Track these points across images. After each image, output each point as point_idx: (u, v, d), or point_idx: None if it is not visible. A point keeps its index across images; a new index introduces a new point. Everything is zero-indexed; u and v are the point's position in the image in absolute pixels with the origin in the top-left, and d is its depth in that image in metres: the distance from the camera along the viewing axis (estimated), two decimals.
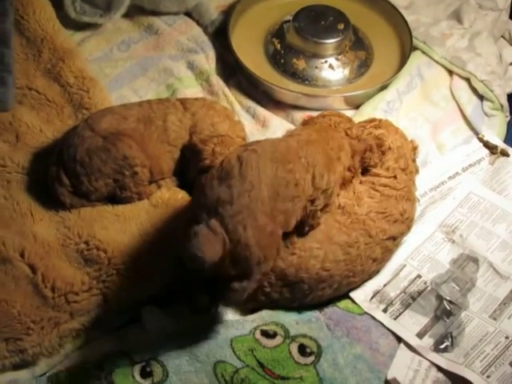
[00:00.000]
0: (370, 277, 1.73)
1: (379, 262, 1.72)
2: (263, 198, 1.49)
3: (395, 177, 1.78)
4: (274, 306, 1.67)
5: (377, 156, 1.81)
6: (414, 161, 1.87)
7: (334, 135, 1.75)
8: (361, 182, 1.78)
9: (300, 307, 1.68)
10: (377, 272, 1.75)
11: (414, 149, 1.88)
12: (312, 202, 1.62)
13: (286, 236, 1.63)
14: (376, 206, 1.73)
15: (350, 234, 1.68)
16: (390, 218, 1.73)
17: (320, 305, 1.69)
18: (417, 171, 1.87)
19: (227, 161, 1.54)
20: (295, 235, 1.66)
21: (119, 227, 1.72)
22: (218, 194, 1.47)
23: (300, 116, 2.09)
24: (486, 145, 2.05)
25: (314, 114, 2.06)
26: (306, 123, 1.87)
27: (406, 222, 1.76)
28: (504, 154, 2.03)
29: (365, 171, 1.81)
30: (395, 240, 1.74)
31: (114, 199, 1.78)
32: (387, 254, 1.74)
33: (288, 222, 1.57)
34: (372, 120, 1.91)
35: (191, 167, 1.84)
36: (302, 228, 1.66)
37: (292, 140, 1.65)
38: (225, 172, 1.51)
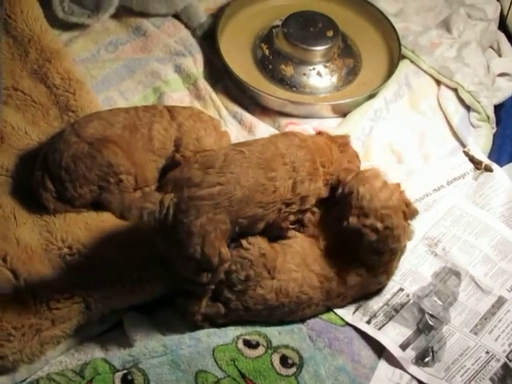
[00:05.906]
0: (348, 301, 1.71)
1: (356, 291, 1.70)
2: (233, 198, 1.55)
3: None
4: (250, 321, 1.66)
5: None
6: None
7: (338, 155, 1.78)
8: None
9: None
10: (357, 297, 1.73)
11: None
12: (287, 205, 1.65)
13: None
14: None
15: (323, 267, 1.66)
16: None
17: None
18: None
19: (213, 153, 1.61)
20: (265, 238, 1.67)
21: (104, 235, 1.71)
22: (191, 175, 1.55)
23: (286, 122, 2.09)
24: (472, 159, 2.04)
25: (300, 121, 2.09)
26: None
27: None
28: (488, 169, 2.02)
29: None
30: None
31: (98, 206, 1.77)
32: (363, 287, 1.71)
33: (254, 225, 1.62)
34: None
35: None
36: (271, 232, 1.68)
37: (284, 142, 1.68)
38: (207, 162, 1.59)
